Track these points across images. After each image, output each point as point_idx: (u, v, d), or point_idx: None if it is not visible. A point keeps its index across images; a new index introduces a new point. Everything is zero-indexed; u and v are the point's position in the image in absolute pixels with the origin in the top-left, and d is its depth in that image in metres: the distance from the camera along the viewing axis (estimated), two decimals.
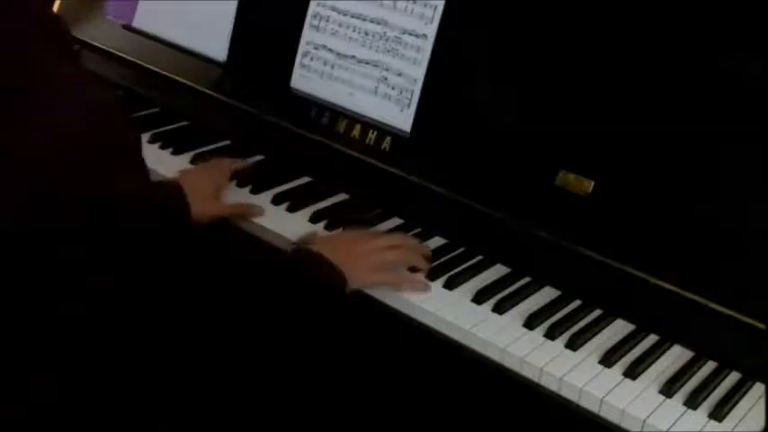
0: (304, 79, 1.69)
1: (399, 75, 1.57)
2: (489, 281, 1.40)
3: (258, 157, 1.71)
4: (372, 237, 1.41)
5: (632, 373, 1.24)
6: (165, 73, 1.85)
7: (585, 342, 1.29)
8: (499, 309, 1.34)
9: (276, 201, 1.56)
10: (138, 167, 1.10)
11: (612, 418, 1.19)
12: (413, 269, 1.40)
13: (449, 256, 1.45)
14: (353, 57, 1.63)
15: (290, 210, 1.54)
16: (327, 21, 1.66)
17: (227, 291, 1.18)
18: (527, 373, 1.25)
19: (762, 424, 1.18)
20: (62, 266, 1.02)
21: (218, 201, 1.53)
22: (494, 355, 1.28)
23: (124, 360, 1.12)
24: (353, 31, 1.63)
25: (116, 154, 1.04)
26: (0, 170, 0.97)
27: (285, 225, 1.49)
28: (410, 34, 1.56)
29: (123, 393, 1.15)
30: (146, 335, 1.11)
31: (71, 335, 1.07)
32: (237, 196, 1.58)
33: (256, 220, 1.51)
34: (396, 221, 1.54)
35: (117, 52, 1.90)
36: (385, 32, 1.59)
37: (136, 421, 1.19)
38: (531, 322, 1.32)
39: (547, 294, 1.40)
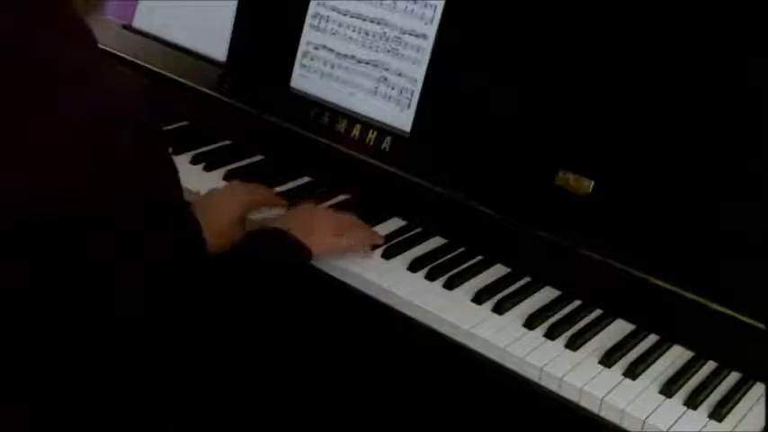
0: (304, 79, 1.69)
1: (399, 75, 1.57)
2: (489, 281, 1.40)
3: (258, 157, 1.71)
4: (323, 207, 1.48)
5: (632, 373, 1.24)
6: (164, 73, 1.85)
7: (585, 342, 1.29)
8: (499, 309, 1.34)
9: None
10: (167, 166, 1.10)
11: (612, 418, 1.19)
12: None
13: (449, 256, 1.45)
14: (353, 57, 1.63)
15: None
16: (327, 21, 1.66)
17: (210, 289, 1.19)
18: (527, 373, 1.25)
19: (762, 424, 1.18)
20: (75, 259, 1.02)
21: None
22: (494, 355, 1.28)
23: (126, 357, 1.12)
24: (353, 31, 1.63)
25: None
26: (17, 166, 0.97)
27: None
28: (410, 34, 1.56)
29: (126, 392, 1.15)
30: (148, 335, 1.11)
31: (72, 335, 1.08)
32: None
33: (255, 219, 1.51)
34: (396, 221, 1.54)
35: (117, 52, 1.90)
36: (385, 32, 1.59)
37: (138, 420, 1.19)
38: (531, 322, 1.32)
39: (547, 294, 1.39)
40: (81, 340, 1.08)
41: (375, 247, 1.44)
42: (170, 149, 1.70)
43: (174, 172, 1.11)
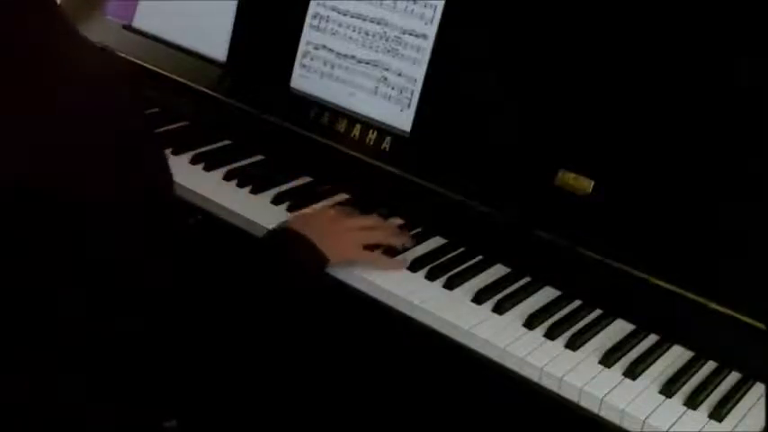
0: (304, 79, 1.69)
1: (399, 75, 1.57)
2: (489, 281, 1.40)
3: (258, 157, 1.72)
4: (350, 216, 1.44)
5: (632, 373, 1.24)
6: (165, 73, 1.85)
7: (585, 342, 1.29)
8: (499, 309, 1.34)
9: (276, 201, 1.56)
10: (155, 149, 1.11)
11: (612, 418, 1.19)
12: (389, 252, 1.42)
13: (449, 256, 1.45)
14: (353, 57, 1.63)
15: (291, 210, 1.54)
16: (327, 21, 1.66)
17: (218, 284, 1.19)
18: (527, 373, 1.25)
19: (762, 424, 1.18)
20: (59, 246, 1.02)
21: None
22: (494, 355, 1.28)
23: (128, 354, 1.12)
24: (353, 31, 1.63)
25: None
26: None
27: None
28: (410, 34, 1.56)
29: (128, 388, 1.15)
30: (151, 331, 1.12)
31: (73, 332, 1.08)
32: (237, 196, 1.58)
33: (255, 219, 1.51)
34: (396, 222, 1.54)
35: (117, 52, 1.90)
36: (385, 32, 1.59)
37: (141, 416, 1.19)
38: (531, 322, 1.32)
39: (547, 294, 1.39)
40: (83, 332, 1.08)
41: (375, 247, 1.44)
42: (169, 149, 1.72)
43: (168, 168, 1.11)
